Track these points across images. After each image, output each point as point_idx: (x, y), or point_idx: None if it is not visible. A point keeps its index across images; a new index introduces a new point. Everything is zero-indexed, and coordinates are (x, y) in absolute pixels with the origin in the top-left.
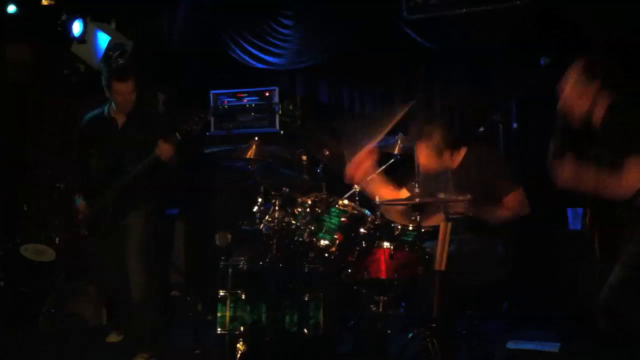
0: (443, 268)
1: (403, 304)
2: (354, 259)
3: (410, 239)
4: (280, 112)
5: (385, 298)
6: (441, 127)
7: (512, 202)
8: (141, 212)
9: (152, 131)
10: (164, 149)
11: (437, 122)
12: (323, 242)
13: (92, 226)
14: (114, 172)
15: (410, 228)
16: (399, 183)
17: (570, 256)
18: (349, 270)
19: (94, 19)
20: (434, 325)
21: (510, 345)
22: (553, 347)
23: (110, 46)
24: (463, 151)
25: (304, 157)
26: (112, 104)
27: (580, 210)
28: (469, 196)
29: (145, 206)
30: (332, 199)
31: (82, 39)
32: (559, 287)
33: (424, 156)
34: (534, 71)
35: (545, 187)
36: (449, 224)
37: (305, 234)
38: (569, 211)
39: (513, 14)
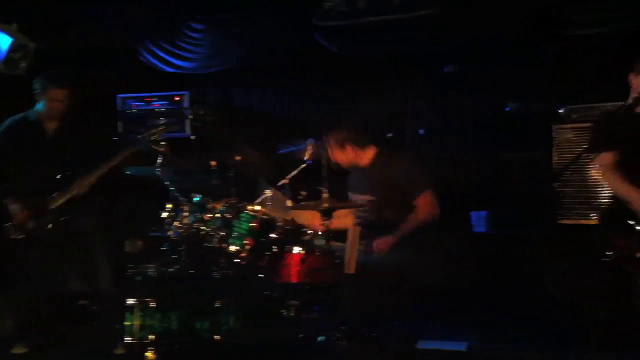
0: (352, 271)
1: (317, 308)
2: (264, 264)
3: (321, 243)
4: (191, 116)
5: (297, 302)
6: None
7: (424, 204)
8: (88, 217)
9: (85, 139)
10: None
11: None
12: (233, 248)
13: (29, 231)
14: (47, 178)
15: (321, 232)
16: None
17: (474, 257)
18: (261, 276)
19: None
20: (344, 327)
21: (420, 345)
22: (461, 346)
23: (12, 48)
24: (371, 152)
25: (214, 163)
26: (42, 109)
27: (483, 213)
28: (371, 198)
29: (91, 210)
30: (241, 205)
31: None
32: (466, 287)
33: (330, 151)
34: (442, 79)
35: (449, 191)
36: (358, 228)
37: (215, 240)
38: (473, 214)
39: (423, 22)
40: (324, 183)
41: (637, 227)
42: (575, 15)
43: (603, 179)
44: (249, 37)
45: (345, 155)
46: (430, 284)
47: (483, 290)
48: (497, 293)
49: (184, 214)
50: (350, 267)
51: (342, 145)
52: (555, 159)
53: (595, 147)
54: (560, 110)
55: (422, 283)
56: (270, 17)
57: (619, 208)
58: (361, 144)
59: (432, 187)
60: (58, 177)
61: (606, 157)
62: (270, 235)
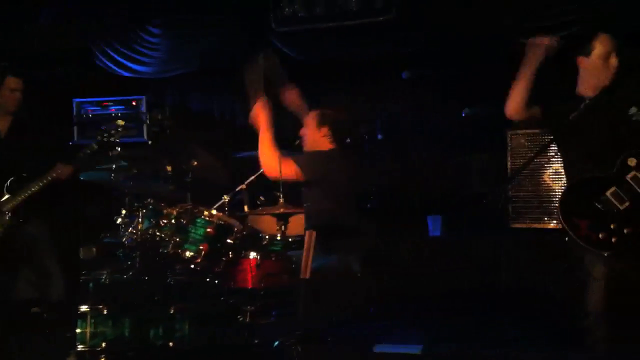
0: (308, 276)
1: (274, 313)
2: (220, 270)
3: (278, 249)
4: (148, 121)
5: (253, 308)
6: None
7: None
8: (39, 222)
9: (37, 141)
10: (63, 172)
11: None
12: (188, 254)
13: None
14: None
15: (278, 237)
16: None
17: (431, 260)
18: (216, 281)
19: None
20: (299, 332)
21: (377, 348)
22: (416, 350)
23: None
24: (329, 148)
25: (169, 168)
26: None
27: (439, 217)
28: (329, 204)
29: (42, 215)
30: (197, 210)
31: None
32: (423, 290)
33: (305, 125)
34: (399, 85)
35: (406, 195)
36: (314, 233)
37: (170, 246)
38: (429, 219)
39: (381, 28)
40: (280, 188)
41: (598, 205)
42: (528, 21)
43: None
44: (207, 41)
45: (314, 136)
46: (387, 287)
47: (439, 293)
48: (453, 296)
49: (139, 219)
50: (306, 272)
51: (321, 124)
52: (509, 164)
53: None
54: None
55: (379, 287)
56: (227, 21)
57: (583, 190)
58: (335, 134)
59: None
60: (8, 181)
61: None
62: (226, 240)
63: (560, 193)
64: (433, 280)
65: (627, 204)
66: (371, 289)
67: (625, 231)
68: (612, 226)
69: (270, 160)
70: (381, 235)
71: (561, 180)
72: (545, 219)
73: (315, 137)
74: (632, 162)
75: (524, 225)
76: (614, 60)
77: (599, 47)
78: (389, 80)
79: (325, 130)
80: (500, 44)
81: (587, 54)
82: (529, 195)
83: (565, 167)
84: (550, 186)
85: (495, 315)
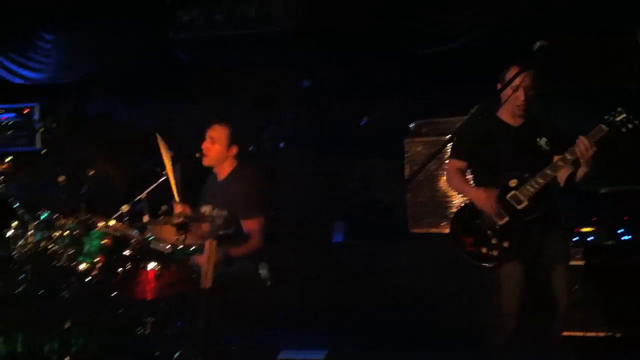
0: (209, 285)
1: (178, 324)
2: (117, 282)
3: (178, 258)
4: (42, 129)
5: (153, 319)
6: (228, 125)
7: (248, 228)
8: None
9: None
10: None
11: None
12: (83, 266)
13: None
14: None
15: (180, 247)
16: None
17: (334, 267)
18: (114, 294)
19: None
20: (202, 342)
21: (282, 355)
22: (320, 355)
23: None
24: (233, 165)
25: (62, 178)
26: None
27: (341, 223)
28: (224, 212)
29: None
30: (92, 221)
31: None
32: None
33: (210, 138)
34: (298, 93)
35: (309, 202)
36: (214, 242)
37: (64, 258)
38: (332, 225)
39: (280, 37)
40: (179, 197)
41: (477, 221)
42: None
43: (447, 181)
44: (103, 47)
45: (223, 154)
46: (291, 294)
47: (343, 298)
48: (357, 301)
49: (31, 231)
50: (207, 282)
51: (232, 143)
52: (407, 171)
53: (451, 152)
54: (411, 125)
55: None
56: (124, 27)
57: (466, 210)
58: (241, 151)
59: (263, 214)
60: None
61: (455, 163)
62: (124, 251)
63: (455, 198)
64: (337, 286)
65: (506, 219)
66: (275, 296)
67: (504, 245)
68: (493, 241)
69: None
70: (285, 242)
71: None
72: (442, 223)
73: (224, 155)
74: (513, 183)
75: (422, 230)
76: (520, 95)
77: (511, 79)
78: (289, 88)
79: (235, 149)
80: (398, 54)
81: (503, 82)
82: (426, 200)
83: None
84: (446, 192)
85: (398, 319)
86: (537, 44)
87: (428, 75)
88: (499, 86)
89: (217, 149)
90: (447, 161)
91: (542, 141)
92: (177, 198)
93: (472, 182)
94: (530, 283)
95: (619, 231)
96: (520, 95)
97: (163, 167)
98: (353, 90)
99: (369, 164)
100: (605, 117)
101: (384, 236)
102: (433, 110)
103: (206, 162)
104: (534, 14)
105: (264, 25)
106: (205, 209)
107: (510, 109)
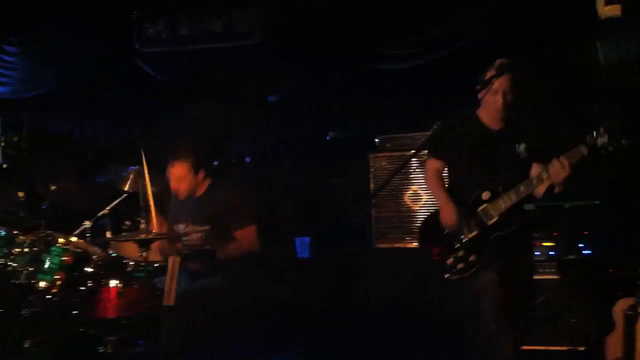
0: (172, 302)
1: (141, 342)
2: (78, 300)
3: (141, 275)
4: (3, 143)
5: (114, 338)
6: (196, 147)
7: (243, 237)
8: None
9: None
10: None
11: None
12: (43, 284)
13: None
14: None
15: (142, 263)
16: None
17: (298, 282)
18: (75, 312)
19: None
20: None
21: None
22: None
23: None
24: (207, 182)
25: (22, 194)
26: None
27: (307, 239)
28: (206, 227)
29: None
30: (52, 237)
31: None
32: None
33: (176, 178)
34: (264, 107)
35: (275, 217)
36: (178, 258)
37: (23, 276)
38: (297, 240)
39: (246, 51)
40: (142, 213)
41: (446, 231)
42: (386, 50)
43: (425, 181)
44: (67, 60)
45: (194, 183)
46: (256, 310)
47: (309, 313)
48: (322, 316)
49: None
50: (170, 299)
51: (197, 171)
52: (372, 186)
53: (431, 151)
54: (376, 140)
55: (248, 310)
56: (89, 41)
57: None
58: (210, 171)
59: (256, 222)
60: None
61: (433, 163)
62: (85, 268)
63: (419, 213)
64: (303, 301)
65: (474, 233)
66: (239, 312)
67: (470, 259)
68: (459, 253)
69: None
70: (250, 258)
71: (420, 201)
72: (407, 238)
73: (194, 184)
74: (486, 195)
75: (387, 245)
76: (499, 99)
77: (488, 80)
78: (256, 103)
79: (202, 173)
80: (362, 70)
81: (483, 85)
82: (390, 215)
83: (452, 185)
84: (410, 207)
85: (362, 334)
86: (497, 62)
87: (393, 91)
88: (478, 87)
89: (185, 184)
90: (427, 160)
91: (521, 147)
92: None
93: (447, 183)
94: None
95: (579, 245)
96: (499, 99)
97: (126, 183)
98: (318, 106)
99: (335, 179)
100: (588, 138)
101: (349, 252)
102: (398, 126)
103: (181, 196)
104: (501, 27)
105: (229, 39)
106: (182, 226)
107: (490, 113)
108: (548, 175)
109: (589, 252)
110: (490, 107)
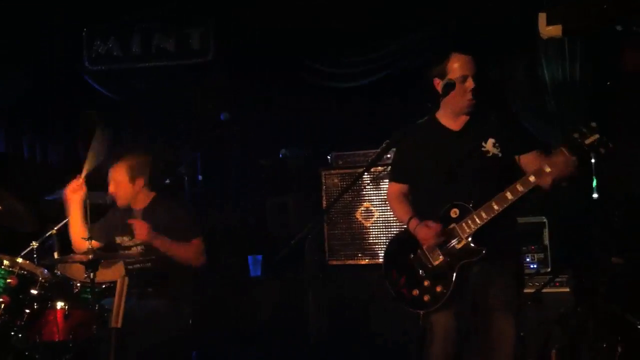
0: (119, 325)
1: None
2: (23, 323)
3: (88, 297)
4: None
5: None
6: (126, 161)
7: (189, 250)
8: None
9: None
10: None
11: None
12: None
13: None
14: None
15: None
16: None
17: (252, 301)
18: (20, 335)
19: None
20: None
21: None
22: None
23: None
24: (151, 196)
25: None
26: None
27: (259, 257)
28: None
29: None
30: None
31: None
32: (247, 330)
33: (112, 180)
34: (217, 125)
35: (228, 236)
36: (126, 279)
37: None
38: (250, 258)
39: (198, 69)
40: (88, 232)
41: (411, 256)
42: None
43: (390, 206)
44: (16, 77)
45: (130, 190)
46: (209, 330)
47: (262, 332)
48: (277, 335)
49: None
50: (117, 321)
51: (134, 178)
52: (324, 202)
53: (390, 173)
54: (328, 157)
55: (200, 330)
56: (38, 58)
57: (399, 242)
58: (151, 182)
59: (201, 234)
60: None
61: (392, 187)
62: (30, 291)
63: (371, 230)
64: (255, 321)
65: (440, 259)
66: (190, 333)
67: (437, 289)
68: (425, 283)
69: (78, 240)
70: (202, 277)
71: (372, 217)
72: (359, 255)
73: (131, 192)
74: (454, 213)
75: (339, 262)
76: (470, 83)
77: (453, 69)
78: (209, 120)
79: (141, 181)
80: (315, 87)
81: (442, 76)
82: (343, 232)
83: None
84: (362, 223)
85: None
86: (446, 81)
87: (345, 108)
88: (436, 81)
89: (121, 187)
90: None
91: (489, 144)
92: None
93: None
94: (467, 331)
95: (527, 260)
96: (470, 84)
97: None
98: (271, 123)
99: (286, 196)
100: (574, 136)
101: (300, 270)
102: (350, 143)
103: (119, 202)
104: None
105: (181, 57)
106: (122, 239)
107: (456, 106)
108: (524, 187)
109: (534, 266)
110: (457, 99)
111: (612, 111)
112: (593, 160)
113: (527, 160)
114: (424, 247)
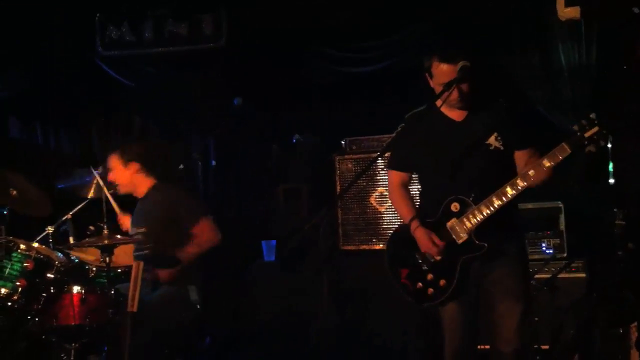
0: (135, 309)
1: (106, 349)
2: (40, 307)
3: (104, 281)
4: None
5: (78, 345)
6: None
7: (201, 231)
8: None
9: None
10: None
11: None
12: (3, 291)
13: None
14: None
15: (105, 269)
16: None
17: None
18: (36, 319)
19: None
20: None
21: None
22: None
23: None
24: (151, 182)
25: None
26: None
27: (273, 242)
28: (143, 229)
29: None
30: (12, 243)
31: None
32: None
33: (109, 169)
34: (229, 111)
35: (241, 221)
36: (141, 263)
37: None
38: (264, 244)
39: (211, 55)
40: (104, 218)
41: (416, 255)
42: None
43: (389, 197)
44: (28, 63)
45: (125, 175)
46: (223, 316)
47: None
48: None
49: None
50: (133, 305)
51: (127, 162)
52: (338, 187)
53: (390, 162)
54: (342, 142)
55: (214, 316)
56: (51, 43)
57: (403, 233)
58: (147, 167)
59: (209, 213)
60: None
61: (393, 175)
62: (47, 275)
63: (385, 215)
64: (270, 306)
65: (443, 254)
66: (205, 319)
67: (440, 283)
68: (429, 277)
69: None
70: (217, 262)
71: (387, 202)
72: (374, 240)
73: (127, 176)
74: (455, 207)
75: (354, 248)
76: (454, 93)
77: (436, 74)
78: (220, 106)
79: (134, 166)
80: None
81: (431, 76)
82: (357, 217)
83: (423, 193)
84: (377, 208)
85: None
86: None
87: (360, 93)
88: (428, 78)
89: (116, 174)
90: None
91: (492, 138)
92: (118, 211)
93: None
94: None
95: (542, 245)
96: (454, 94)
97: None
98: (285, 108)
99: (302, 182)
100: (574, 130)
101: (315, 254)
102: (364, 128)
103: (120, 190)
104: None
105: (194, 42)
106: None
107: (449, 104)
108: (525, 182)
109: (550, 252)
110: (454, 95)
111: (628, 96)
112: (610, 145)
113: (520, 155)
114: (423, 247)
